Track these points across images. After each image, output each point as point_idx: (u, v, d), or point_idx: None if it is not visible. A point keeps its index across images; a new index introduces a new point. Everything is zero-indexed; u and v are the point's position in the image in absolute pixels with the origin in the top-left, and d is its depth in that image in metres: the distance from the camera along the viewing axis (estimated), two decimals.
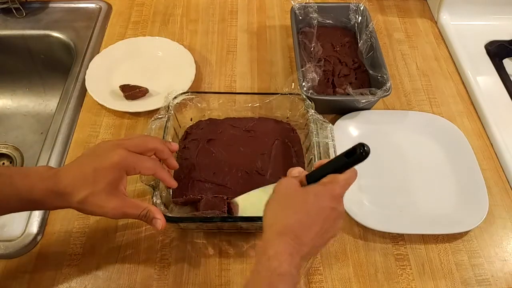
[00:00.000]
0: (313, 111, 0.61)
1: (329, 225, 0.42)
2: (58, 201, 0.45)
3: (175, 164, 0.54)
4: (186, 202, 0.59)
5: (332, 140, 0.59)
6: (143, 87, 0.73)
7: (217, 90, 0.76)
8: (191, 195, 0.58)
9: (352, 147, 0.40)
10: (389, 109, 0.75)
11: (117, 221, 0.59)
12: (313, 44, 0.77)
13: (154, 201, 0.52)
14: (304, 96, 0.64)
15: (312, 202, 0.41)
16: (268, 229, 0.41)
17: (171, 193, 0.59)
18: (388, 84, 0.66)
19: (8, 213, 0.48)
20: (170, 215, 0.51)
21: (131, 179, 0.63)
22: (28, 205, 0.46)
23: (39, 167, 0.48)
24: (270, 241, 0.40)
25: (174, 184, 0.54)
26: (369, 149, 0.40)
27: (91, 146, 0.51)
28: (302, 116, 0.65)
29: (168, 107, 0.61)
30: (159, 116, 0.60)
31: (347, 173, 0.42)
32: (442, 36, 0.88)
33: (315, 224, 0.40)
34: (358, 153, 0.40)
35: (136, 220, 0.59)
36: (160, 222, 0.48)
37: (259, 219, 0.54)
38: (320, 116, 0.61)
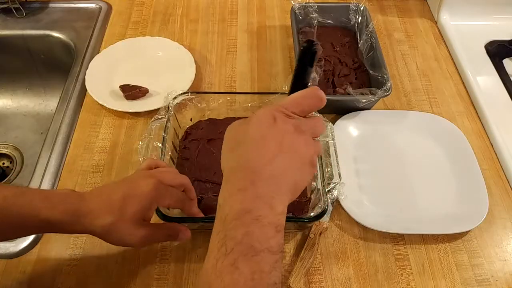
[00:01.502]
0: None
1: (279, 142, 0.35)
2: (79, 225, 0.42)
3: (197, 210, 0.52)
4: None
5: (333, 139, 0.59)
6: (143, 87, 0.73)
7: (217, 90, 0.76)
8: None
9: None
10: (389, 109, 0.75)
11: None
12: None
13: None
14: None
15: (253, 130, 0.36)
16: (223, 181, 0.37)
17: None
18: (388, 84, 0.66)
19: (26, 235, 0.47)
20: (171, 215, 0.51)
21: None
22: (46, 227, 0.43)
23: (63, 189, 0.46)
24: (220, 191, 0.35)
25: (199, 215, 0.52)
26: (312, 42, 0.37)
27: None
28: None
29: (168, 108, 0.61)
30: (159, 117, 0.60)
31: (295, 93, 0.37)
32: (442, 36, 0.88)
33: (260, 145, 0.35)
34: (303, 48, 0.37)
35: None
36: (186, 233, 0.48)
37: None
38: (320, 115, 0.61)
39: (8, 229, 0.42)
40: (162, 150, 0.57)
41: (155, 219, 0.49)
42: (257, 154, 0.34)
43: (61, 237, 0.58)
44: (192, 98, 0.64)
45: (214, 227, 0.34)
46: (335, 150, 0.58)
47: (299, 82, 0.39)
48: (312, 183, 0.58)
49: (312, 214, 0.52)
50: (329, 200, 0.52)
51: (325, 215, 0.53)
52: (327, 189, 0.53)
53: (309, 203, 0.57)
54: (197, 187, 0.59)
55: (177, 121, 0.64)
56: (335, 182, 0.54)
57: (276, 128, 0.35)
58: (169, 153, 0.60)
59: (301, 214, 0.57)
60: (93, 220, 0.42)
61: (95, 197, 0.44)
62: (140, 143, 0.57)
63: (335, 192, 0.53)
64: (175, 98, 0.62)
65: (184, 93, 0.64)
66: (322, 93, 0.37)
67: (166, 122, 0.59)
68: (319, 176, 0.55)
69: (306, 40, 0.37)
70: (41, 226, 0.43)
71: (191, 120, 0.67)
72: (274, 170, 0.34)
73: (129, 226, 0.43)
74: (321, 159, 0.57)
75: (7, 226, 0.42)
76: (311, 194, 0.58)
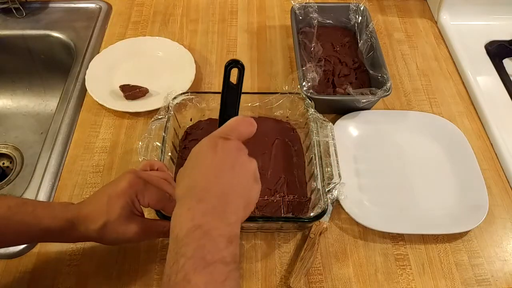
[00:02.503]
0: (313, 110, 0.61)
1: (224, 161, 0.37)
2: (77, 232, 0.45)
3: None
4: None
5: (333, 139, 0.59)
6: (143, 87, 0.73)
7: (217, 90, 0.76)
8: None
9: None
10: (389, 109, 0.75)
11: None
12: (313, 44, 0.77)
13: None
14: (304, 95, 0.64)
15: (193, 160, 0.38)
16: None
17: None
18: (388, 84, 0.66)
19: (28, 243, 0.50)
20: (169, 215, 0.51)
21: None
22: (48, 235, 0.45)
23: (63, 202, 0.49)
24: (171, 216, 0.36)
25: None
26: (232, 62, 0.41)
27: None
28: (302, 115, 0.65)
29: (168, 108, 0.61)
30: (159, 117, 0.60)
31: (230, 121, 0.41)
32: (442, 36, 0.88)
33: (206, 167, 0.37)
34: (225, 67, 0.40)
35: None
36: None
37: (260, 218, 0.54)
38: (320, 115, 0.61)
39: (11, 236, 0.45)
40: (162, 150, 0.57)
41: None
42: (204, 175, 0.36)
43: None
44: (192, 98, 0.64)
45: (168, 248, 0.35)
46: (335, 150, 0.58)
47: (229, 105, 0.42)
48: (312, 183, 0.58)
49: (312, 214, 0.52)
50: (329, 200, 0.52)
51: (325, 215, 0.53)
52: (327, 189, 0.53)
53: (309, 203, 0.58)
54: None
55: (177, 121, 0.64)
56: (335, 182, 0.54)
57: (219, 150, 0.37)
58: (169, 153, 0.60)
59: (301, 214, 0.57)
60: (88, 226, 0.44)
61: (88, 204, 0.46)
62: (140, 143, 0.57)
63: (335, 192, 0.53)
64: (175, 98, 0.62)
65: (184, 93, 0.64)
66: (251, 119, 0.41)
67: (166, 122, 0.59)
68: (319, 176, 0.55)
69: (231, 60, 0.40)
70: (41, 235, 0.45)
71: (191, 120, 0.67)
72: (222, 186, 0.36)
73: (119, 224, 0.44)
74: (321, 159, 0.57)
75: (11, 233, 0.44)
76: (311, 194, 0.58)
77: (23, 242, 0.47)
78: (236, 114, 0.43)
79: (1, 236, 0.44)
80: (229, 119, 0.41)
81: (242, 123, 0.40)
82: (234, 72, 0.42)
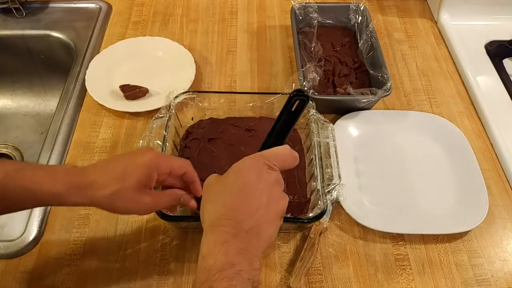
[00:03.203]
0: (314, 111, 0.61)
1: (263, 195, 0.38)
2: (82, 197, 0.44)
3: (200, 189, 0.50)
4: None
5: (333, 140, 0.59)
6: (143, 87, 0.73)
7: (217, 90, 0.76)
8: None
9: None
10: (389, 109, 0.75)
11: (117, 221, 0.59)
12: (313, 44, 0.77)
13: None
14: None
15: (234, 180, 0.38)
16: (204, 228, 0.39)
17: None
18: (389, 84, 0.66)
19: (30, 207, 0.49)
20: (171, 214, 0.51)
21: None
22: (49, 200, 0.44)
23: (66, 165, 0.49)
24: (204, 239, 0.37)
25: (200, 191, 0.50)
26: (299, 94, 0.41)
27: None
28: (303, 116, 0.65)
29: (169, 106, 0.61)
30: (160, 115, 0.60)
31: (278, 148, 0.41)
32: (442, 36, 0.88)
33: (246, 195, 0.37)
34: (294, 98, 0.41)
35: (136, 220, 0.60)
36: (188, 197, 0.49)
37: None
38: (321, 116, 0.61)
39: (11, 202, 0.44)
40: (162, 148, 0.57)
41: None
42: (243, 205, 0.36)
43: (61, 237, 0.58)
44: (194, 97, 0.64)
45: (197, 276, 0.35)
46: (335, 151, 0.58)
47: (281, 132, 0.42)
48: (312, 183, 0.57)
49: (311, 214, 0.52)
50: (329, 201, 0.52)
51: (325, 216, 0.53)
52: (326, 190, 0.53)
53: (309, 204, 0.57)
54: None
55: (178, 120, 0.64)
56: (335, 183, 0.54)
57: (262, 179, 0.38)
58: (170, 152, 0.60)
59: (301, 215, 0.57)
60: (96, 191, 0.43)
61: (97, 170, 0.45)
62: (141, 141, 0.57)
63: (334, 193, 0.53)
64: (176, 97, 0.62)
65: (185, 92, 0.64)
66: (297, 154, 0.42)
67: (167, 121, 0.59)
68: (318, 177, 0.55)
69: (297, 89, 0.40)
70: (44, 199, 0.44)
71: (192, 119, 0.67)
72: (256, 223, 0.36)
73: (132, 194, 0.44)
74: (321, 160, 0.57)
75: (11, 199, 0.43)
76: (310, 195, 0.58)
77: (26, 207, 0.46)
78: (284, 142, 0.43)
79: (1, 202, 0.43)
80: (276, 144, 0.42)
81: (290, 157, 0.42)
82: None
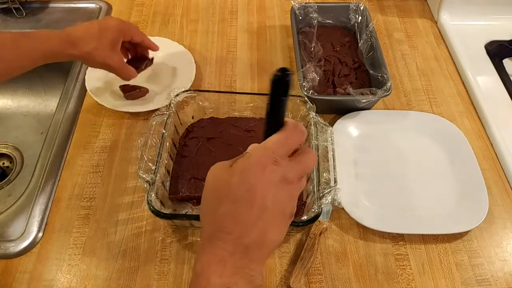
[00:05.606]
0: (314, 113, 0.61)
1: (268, 198, 0.33)
2: (72, 49, 0.57)
3: (153, 44, 0.68)
4: (183, 199, 0.59)
5: (332, 143, 0.59)
6: (143, 87, 0.73)
7: (217, 90, 0.76)
8: (187, 193, 0.58)
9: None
10: (389, 109, 0.75)
11: (117, 221, 0.59)
12: (313, 44, 0.77)
13: (152, 196, 0.51)
14: (306, 99, 0.63)
15: (238, 182, 0.33)
16: (202, 237, 0.35)
17: (167, 190, 0.59)
18: (389, 84, 0.66)
19: (33, 66, 0.58)
20: (164, 212, 0.51)
21: (130, 176, 0.63)
22: (49, 56, 0.57)
23: (48, 30, 0.59)
24: (199, 254, 0.33)
25: (156, 48, 0.69)
26: (285, 70, 0.34)
27: None
28: (303, 118, 0.65)
29: (170, 104, 0.61)
30: (160, 113, 0.60)
31: (278, 133, 0.36)
32: (442, 36, 0.88)
33: (248, 206, 0.32)
34: (276, 78, 0.35)
35: (136, 220, 0.60)
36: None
37: None
38: (321, 119, 0.61)
39: (19, 62, 0.55)
40: (160, 145, 0.57)
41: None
42: (245, 216, 0.32)
43: (61, 237, 0.58)
44: (194, 96, 0.64)
45: (190, 284, 0.33)
46: (333, 155, 0.57)
47: (276, 116, 0.37)
48: (309, 186, 0.57)
49: (304, 217, 0.52)
50: (323, 205, 0.52)
51: (325, 216, 0.52)
52: (321, 194, 0.53)
53: (304, 207, 0.57)
54: (193, 184, 0.59)
55: (179, 118, 0.64)
56: (330, 187, 0.54)
57: (264, 180, 0.33)
58: (168, 150, 0.60)
59: (295, 218, 0.56)
60: (81, 46, 0.58)
61: (77, 30, 0.58)
62: (140, 138, 0.57)
63: (329, 197, 0.53)
64: (177, 95, 0.62)
65: (186, 90, 0.64)
66: (301, 125, 0.36)
67: (167, 119, 0.59)
68: (315, 180, 0.55)
69: (279, 68, 0.35)
70: (45, 56, 0.57)
71: (193, 118, 0.67)
72: (259, 233, 0.33)
73: (107, 51, 0.60)
74: (318, 164, 0.56)
75: (19, 58, 0.55)
76: (306, 198, 0.58)
77: (31, 65, 0.56)
78: (283, 123, 0.37)
79: (7, 63, 0.54)
80: (277, 129, 0.36)
81: (291, 134, 0.36)
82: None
